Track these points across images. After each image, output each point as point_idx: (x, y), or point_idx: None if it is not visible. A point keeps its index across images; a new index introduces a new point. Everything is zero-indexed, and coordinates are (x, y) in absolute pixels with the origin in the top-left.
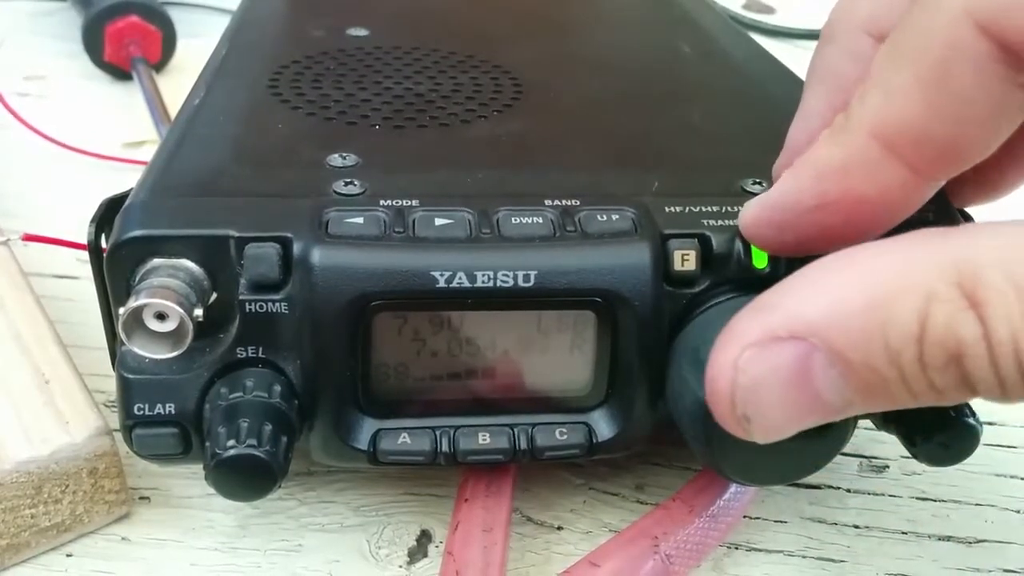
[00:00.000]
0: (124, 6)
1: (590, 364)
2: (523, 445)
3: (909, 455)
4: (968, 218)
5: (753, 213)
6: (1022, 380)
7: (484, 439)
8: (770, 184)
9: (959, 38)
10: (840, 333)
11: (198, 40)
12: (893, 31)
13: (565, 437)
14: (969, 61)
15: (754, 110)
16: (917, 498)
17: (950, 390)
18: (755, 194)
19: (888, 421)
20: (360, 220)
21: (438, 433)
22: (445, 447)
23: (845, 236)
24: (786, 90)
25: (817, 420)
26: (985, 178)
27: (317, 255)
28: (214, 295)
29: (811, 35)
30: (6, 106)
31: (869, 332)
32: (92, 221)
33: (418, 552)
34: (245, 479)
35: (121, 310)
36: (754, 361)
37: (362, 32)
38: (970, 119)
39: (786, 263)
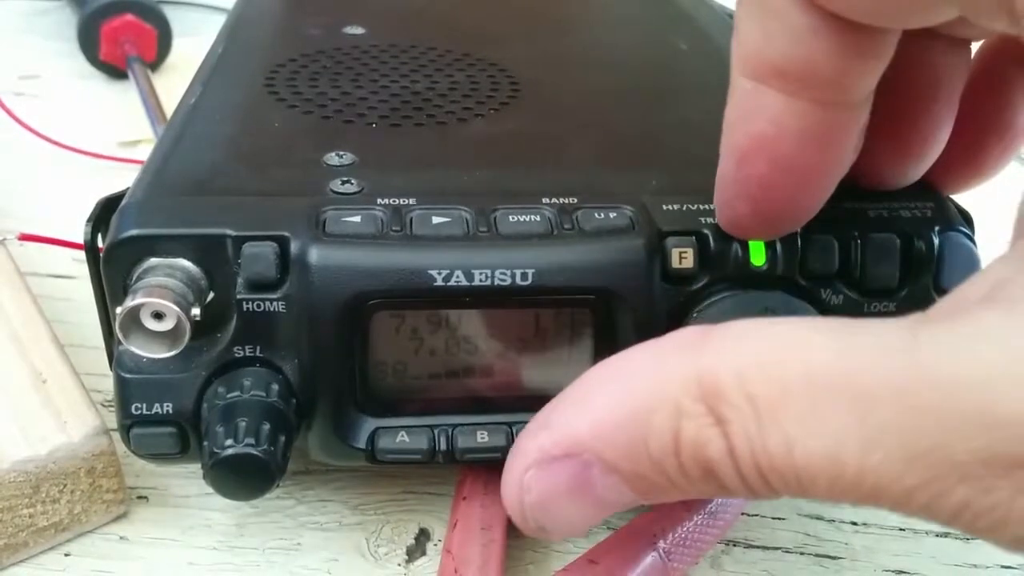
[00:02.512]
0: (120, 5)
1: (588, 362)
2: None
3: None
4: (963, 212)
5: (715, 200)
6: (768, 488)
7: (482, 437)
8: None
9: None
10: (608, 447)
11: (194, 39)
12: None
13: None
14: None
15: None
16: None
17: (714, 492)
18: None
19: None
20: (357, 219)
21: (436, 431)
22: (443, 445)
23: (785, 190)
24: None
25: (608, 515)
26: (969, 159)
27: (314, 254)
28: (211, 294)
29: None
30: (1, 106)
31: (633, 445)
32: (88, 220)
33: (417, 550)
34: (243, 478)
35: (118, 309)
36: (536, 480)
37: (358, 30)
38: (801, 37)
39: (783, 259)
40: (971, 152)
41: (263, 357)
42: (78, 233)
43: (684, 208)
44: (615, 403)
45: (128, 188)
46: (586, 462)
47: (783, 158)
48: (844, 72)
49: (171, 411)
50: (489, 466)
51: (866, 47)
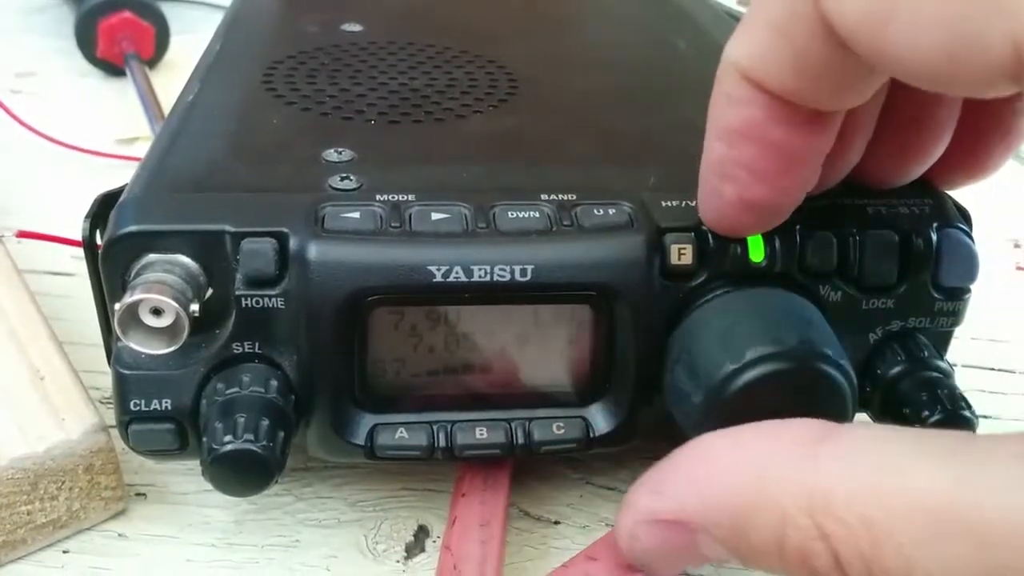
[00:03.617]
0: (117, 2)
1: (587, 358)
2: (520, 440)
3: None
4: (961, 209)
5: (699, 188)
6: None
7: (481, 434)
8: None
9: (801, 2)
10: (714, 528)
11: (191, 36)
12: None
13: (562, 431)
14: (805, 24)
15: None
16: None
17: None
18: None
19: (884, 415)
20: (356, 215)
21: (435, 428)
22: (442, 442)
23: (774, 173)
24: None
25: (707, 563)
26: (969, 159)
27: (313, 250)
28: (210, 290)
29: None
30: None
31: (737, 533)
32: (87, 217)
33: (415, 547)
34: (242, 474)
35: (117, 306)
36: (645, 534)
37: (356, 27)
38: (805, 71)
39: (782, 255)
40: (972, 153)
41: (262, 353)
42: (76, 230)
43: (683, 205)
44: (723, 490)
45: (126, 184)
46: (693, 530)
47: (773, 143)
48: (838, 100)
49: (170, 407)
50: (488, 462)
51: (869, 84)
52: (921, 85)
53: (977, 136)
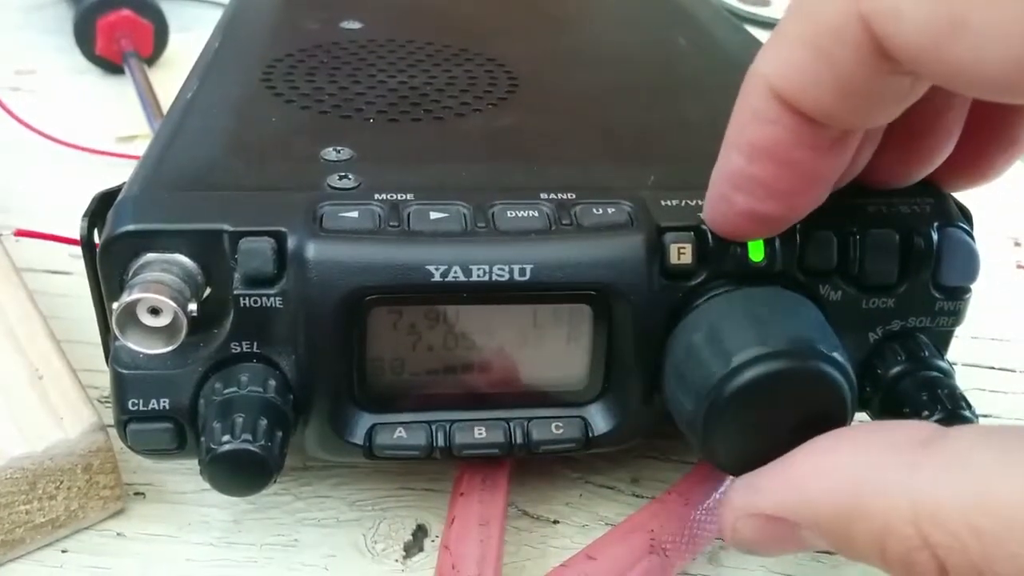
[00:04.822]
0: (116, 0)
1: (586, 358)
2: (519, 439)
3: None
4: (962, 208)
5: (708, 194)
6: None
7: (480, 433)
8: None
9: (845, 23)
10: (815, 526)
11: (190, 34)
12: None
13: (561, 431)
14: (850, 43)
15: None
16: None
17: None
18: None
19: (884, 415)
20: (355, 214)
21: (434, 427)
22: (441, 441)
23: (788, 191)
24: None
25: (813, 550)
26: (973, 164)
27: (312, 249)
28: (208, 290)
29: None
30: None
31: (838, 535)
32: (85, 216)
33: (414, 546)
34: (240, 474)
35: (115, 305)
36: (746, 527)
37: (356, 25)
38: (846, 93)
39: (782, 255)
40: (976, 158)
41: (260, 353)
42: (74, 228)
43: (683, 204)
44: (823, 492)
45: (124, 183)
46: (794, 525)
47: (794, 163)
48: (871, 119)
49: (168, 407)
50: (486, 462)
51: (907, 100)
52: (983, 96)
53: (982, 142)
